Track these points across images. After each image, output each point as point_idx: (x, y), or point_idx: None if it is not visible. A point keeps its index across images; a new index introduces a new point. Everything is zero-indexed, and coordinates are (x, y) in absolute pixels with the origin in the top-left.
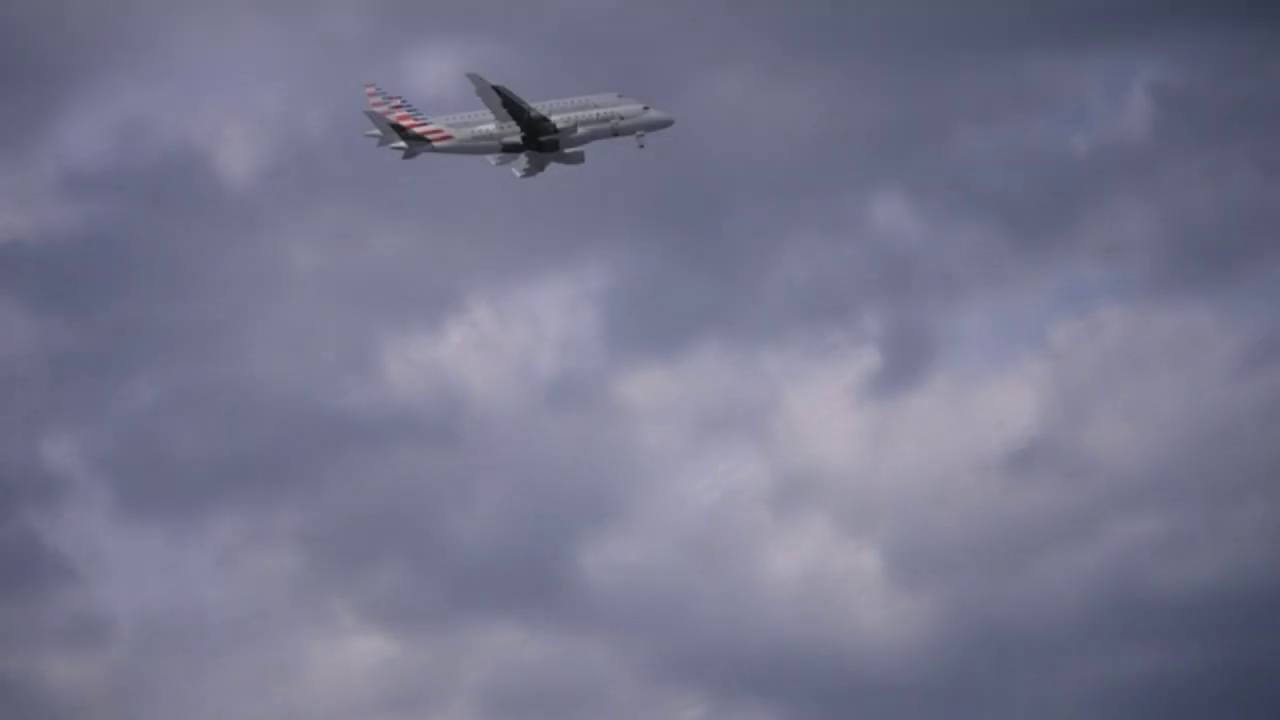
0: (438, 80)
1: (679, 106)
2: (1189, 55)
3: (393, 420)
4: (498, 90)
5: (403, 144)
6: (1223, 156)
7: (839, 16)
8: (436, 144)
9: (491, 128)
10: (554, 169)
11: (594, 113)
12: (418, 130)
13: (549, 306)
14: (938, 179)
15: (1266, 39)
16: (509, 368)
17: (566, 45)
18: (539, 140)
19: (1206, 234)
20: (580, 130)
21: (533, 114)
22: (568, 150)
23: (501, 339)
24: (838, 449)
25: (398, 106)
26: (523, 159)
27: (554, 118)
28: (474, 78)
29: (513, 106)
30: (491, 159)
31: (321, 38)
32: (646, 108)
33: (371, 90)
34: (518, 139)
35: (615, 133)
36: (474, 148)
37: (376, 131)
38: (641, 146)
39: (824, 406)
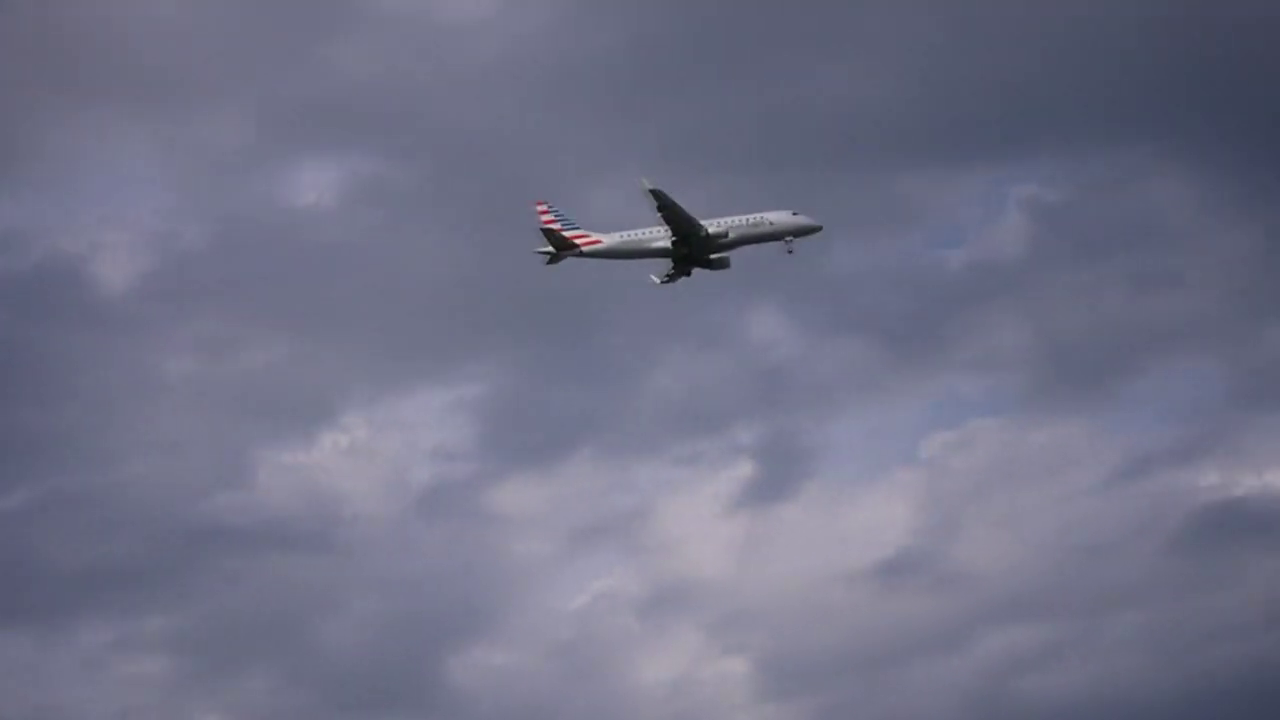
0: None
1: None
2: (1062, 173)
3: (264, 527)
4: (666, 198)
5: (565, 256)
6: (1095, 273)
7: (717, 131)
8: (587, 250)
9: (653, 237)
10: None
11: (744, 219)
12: (583, 244)
13: (423, 415)
14: (813, 293)
15: (1139, 158)
16: (382, 475)
17: (448, 156)
18: (696, 248)
19: (1078, 350)
20: (731, 235)
21: (703, 231)
22: (715, 257)
23: (375, 447)
24: (709, 559)
25: (562, 222)
26: (666, 265)
27: (709, 225)
28: (655, 192)
29: (677, 216)
30: (644, 267)
31: (198, 148)
32: (795, 213)
33: (544, 208)
34: (669, 244)
35: (764, 238)
36: (630, 254)
37: (549, 249)
38: (790, 252)
39: (696, 516)
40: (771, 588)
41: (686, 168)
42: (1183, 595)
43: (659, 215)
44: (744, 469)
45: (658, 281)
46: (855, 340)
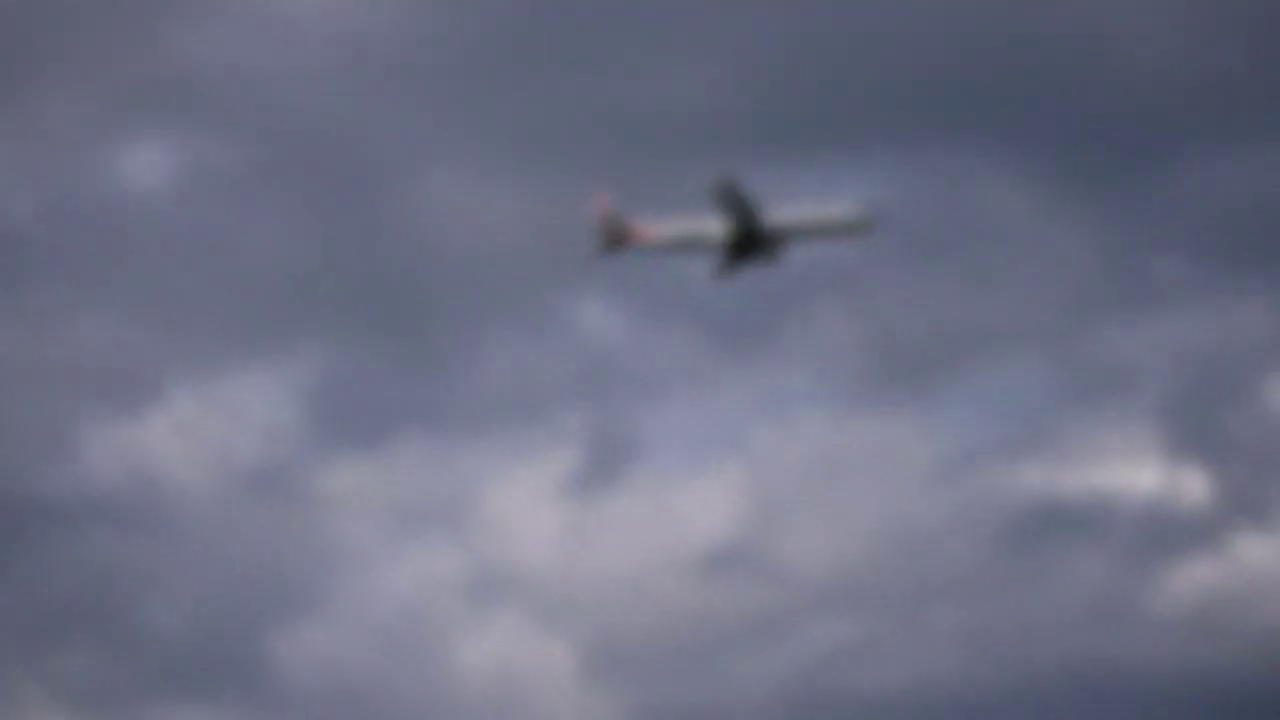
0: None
1: (387, 203)
2: (896, 171)
3: (87, 503)
4: (734, 191)
5: (622, 248)
6: (926, 271)
7: (550, 118)
8: (645, 243)
9: (709, 228)
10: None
11: (803, 211)
12: (642, 233)
13: (251, 395)
14: (643, 282)
15: (971, 158)
16: (208, 455)
17: (285, 141)
18: (753, 241)
19: (906, 346)
20: (791, 228)
21: (764, 223)
22: (769, 250)
23: (201, 426)
24: (535, 544)
25: (623, 213)
26: (717, 259)
27: (769, 218)
28: (722, 183)
29: (744, 211)
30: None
31: (30, 123)
32: (849, 209)
33: (603, 197)
34: (726, 236)
35: (818, 233)
36: (685, 245)
37: (608, 240)
38: (850, 242)
39: (523, 502)
40: (597, 574)
41: (531, 160)
42: (1003, 591)
43: (720, 207)
44: (571, 456)
45: (711, 275)
46: (685, 331)
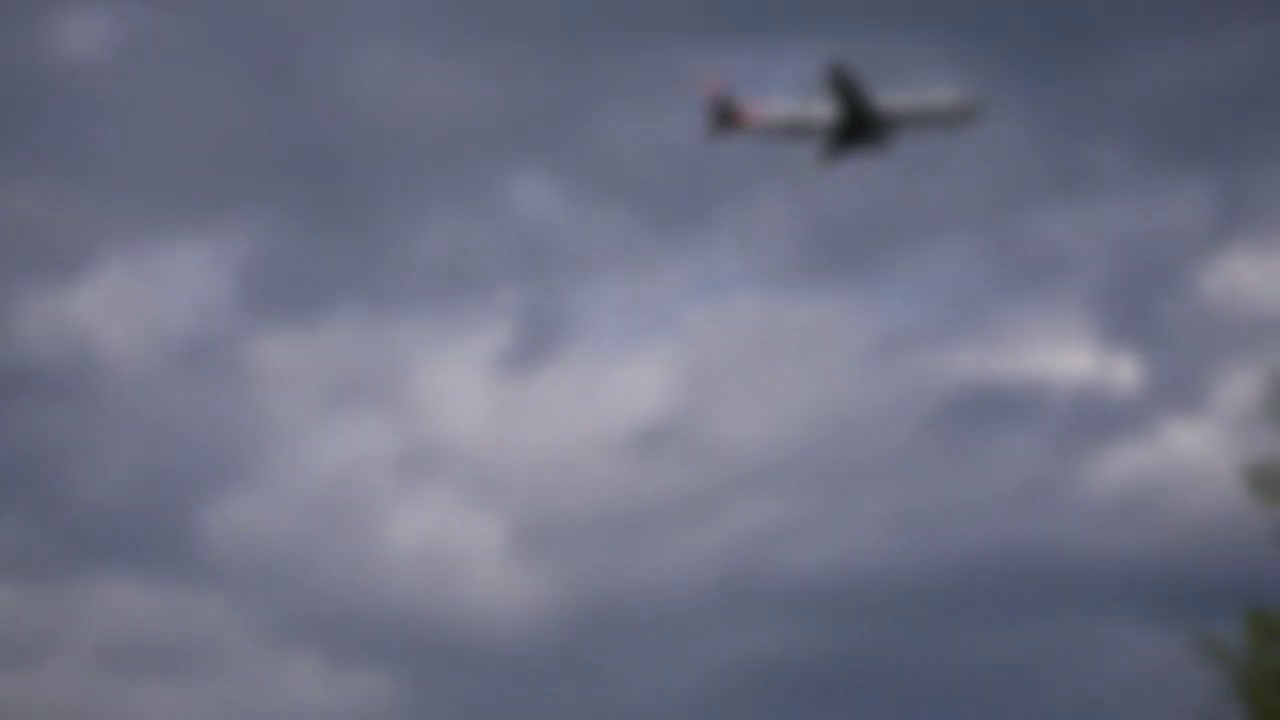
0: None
1: (324, 73)
2: (830, 56)
3: (15, 372)
4: (849, 77)
5: (732, 129)
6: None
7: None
8: (755, 128)
9: (818, 113)
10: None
11: (913, 98)
12: (751, 115)
13: (183, 266)
14: (579, 161)
15: (909, 44)
16: (139, 325)
17: (209, 9)
18: (863, 128)
19: (841, 229)
20: (902, 114)
21: (874, 106)
22: (878, 138)
23: (133, 296)
24: (467, 421)
25: (733, 94)
26: (822, 146)
27: (879, 104)
28: (835, 68)
29: (855, 95)
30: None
31: None
32: (958, 96)
33: (713, 77)
34: (836, 122)
35: (928, 121)
36: (794, 129)
37: (718, 120)
38: (954, 133)
39: (455, 378)
40: (528, 452)
41: (471, 32)
42: (934, 473)
43: (829, 91)
44: (505, 333)
45: (812, 163)
46: (621, 210)
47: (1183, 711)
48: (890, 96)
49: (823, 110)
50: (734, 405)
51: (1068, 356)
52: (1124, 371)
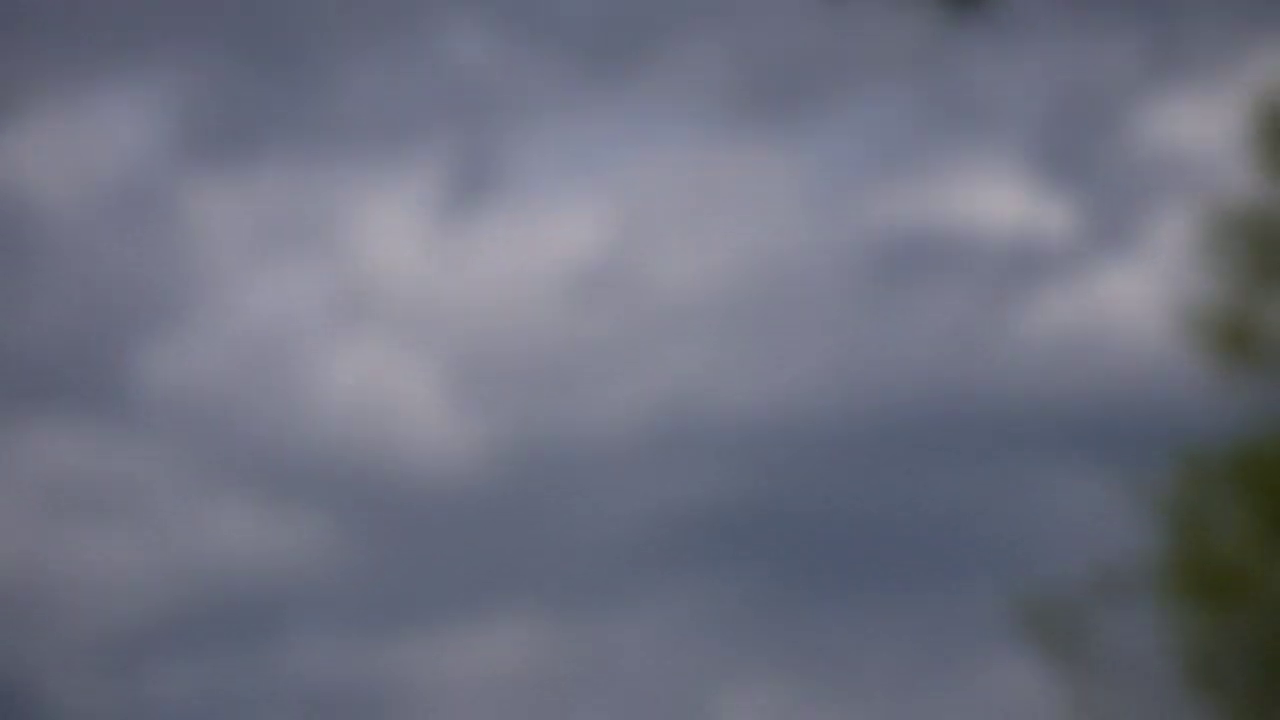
0: None
1: None
2: None
3: None
4: None
5: None
6: None
7: None
8: None
9: None
10: None
11: None
12: None
13: (113, 110)
14: (511, 3)
15: None
16: (68, 171)
17: None
18: None
19: (777, 73)
20: None
21: None
22: None
23: (61, 142)
24: (400, 266)
25: None
26: None
27: None
28: None
29: None
30: None
31: None
32: None
33: None
34: None
35: None
36: None
37: None
38: None
39: (389, 223)
40: (462, 295)
41: None
42: (866, 320)
43: None
44: (439, 177)
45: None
46: (555, 53)
47: (1114, 553)
48: None
49: None
50: (668, 250)
51: (1002, 201)
52: (1058, 215)
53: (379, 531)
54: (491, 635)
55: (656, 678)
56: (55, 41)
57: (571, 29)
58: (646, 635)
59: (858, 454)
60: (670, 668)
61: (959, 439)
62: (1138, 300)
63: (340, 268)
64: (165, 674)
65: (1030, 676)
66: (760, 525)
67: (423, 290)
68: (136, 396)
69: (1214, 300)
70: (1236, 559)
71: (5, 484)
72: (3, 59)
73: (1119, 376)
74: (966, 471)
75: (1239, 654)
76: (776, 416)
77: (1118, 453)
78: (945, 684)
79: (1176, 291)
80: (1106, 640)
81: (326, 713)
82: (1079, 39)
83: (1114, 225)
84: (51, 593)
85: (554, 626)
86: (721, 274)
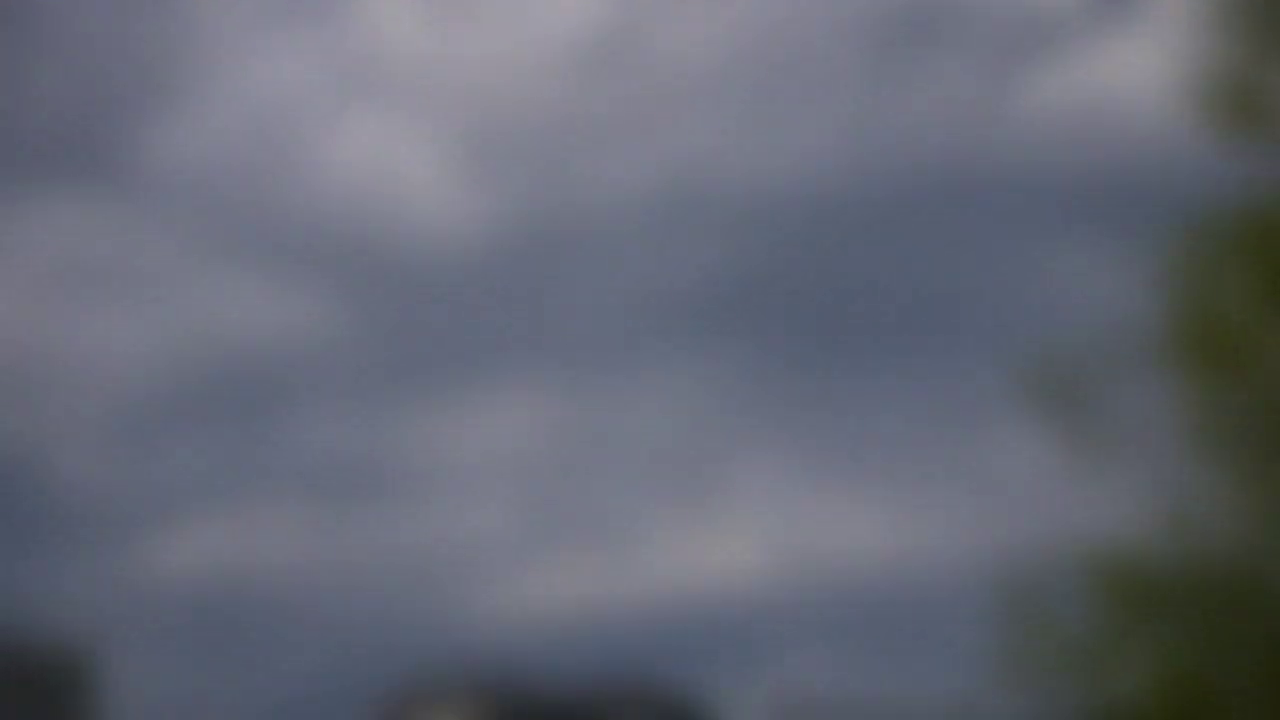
0: None
1: None
2: None
3: None
4: None
5: None
6: None
7: None
8: None
9: None
10: None
11: None
12: None
13: None
14: None
15: None
16: None
17: None
18: None
19: None
20: None
21: None
22: None
23: None
24: (406, 37)
25: None
26: None
27: None
28: None
29: None
30: None
31: None
32: None
33: None
34: None
35: None
36: None
37: None
38: None
39: None
40: (468, 67)
41: None
42: (875, 89)
43: None
44: None
45: None
46: None
47: (1118, 321)
48: None
49: None
50: (673, 22)
51: None
52: None
53: (384, 305)
54: (498, 408)
55: (665, 447)
56: None
57: None
58: (655, 405)
59: (864, 225)
60: (679, 437)
61: (964, 210)
62: (1142, 70)
63: (344, 44)
64: (171, 447)
65: (1035, 444)
66: (767, 297)
67: (427, 62)
68: (142, 172)
69: (1218, 69)
70: (1240, 326)
71: (12, 261)
72: None
73: (1124, 146)
74: (972, 242)
75: (1242, 420)
76: (782, 189)
77: (1122, 222)
78: (949, 449)
79: (1181, 61)
80: (1110, 407)
81: (332, 485)
82: None
83: None
84: (59, 368)
85: (561, 399)
86: (726, 46)
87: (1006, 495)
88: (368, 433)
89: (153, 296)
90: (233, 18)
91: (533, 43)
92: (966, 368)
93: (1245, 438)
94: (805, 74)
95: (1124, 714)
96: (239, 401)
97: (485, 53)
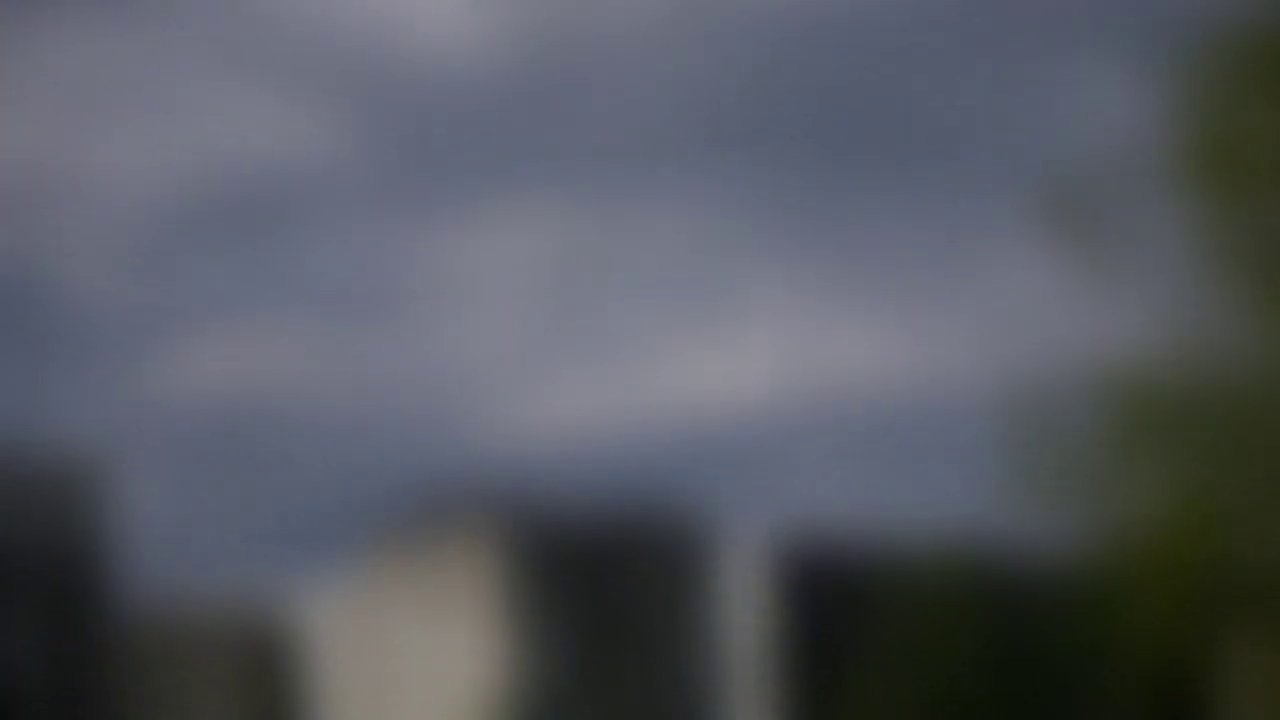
0: None
1: None
2: None
3: None
4: None
5: None
6: None
7: None
8: None
9: None
10: None
11: None
12: None
13: None
14: None
15: None
16: None
17: None
18: None
19: None
20: None
21: None
22: None
23: None
24: None
25: None
26: None
27: None
28: None
29: None
30: None
31: None
32: None
33: None
34: None
35: None
36: None
37: None
38: None
39: None
40: None
41: None
42: None
43: None
44: None
45: None
46: None
47: (1137, 141)
48: None
49: None
50: None
51: None
52: None
53: (400, 121)
54: (511, 227)
55: (682, 263)
56: None
57: None
58: (672, 222)
59: (880, 42)
60: (696, 253)
61: (983, 27)
62: None
63: None
64: (184, 265)
65: (1047, 264)
66: (784, 113)
67: None
68: None
69: None
70: (1259, 145)
71: (24, 79)
72: None
73: None
74: (989, 61)
75: (1259, 241)
76: (799, 2)
77: (1142, 41)
78: (962, 269)
79: None
80: (1122, 228)
81: (344, 303)
82: None
83: None
84: (71, 185)
85: (574, 217)
86: None
87: (1018, 315)
88: (380, 250)
89: (166, 115)
90: None
91: None
92: (980, 187)
93: (1259, 258)
94: None
95: (1134, 531)
96: (251, 220)
97: None
